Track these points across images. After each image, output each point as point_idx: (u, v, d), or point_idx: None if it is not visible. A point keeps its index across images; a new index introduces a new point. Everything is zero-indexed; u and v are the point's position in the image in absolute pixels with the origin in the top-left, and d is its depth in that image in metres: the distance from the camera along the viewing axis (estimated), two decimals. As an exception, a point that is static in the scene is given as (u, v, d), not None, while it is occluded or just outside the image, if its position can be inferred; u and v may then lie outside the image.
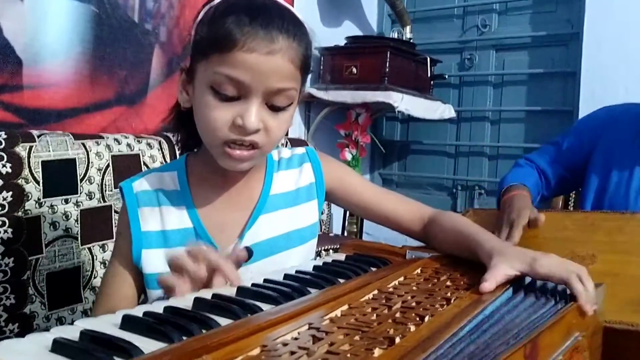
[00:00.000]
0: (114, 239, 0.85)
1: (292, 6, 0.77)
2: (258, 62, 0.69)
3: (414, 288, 0.62)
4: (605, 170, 1.30)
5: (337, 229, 2.53)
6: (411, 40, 2.59)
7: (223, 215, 0.81)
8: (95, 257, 1.26)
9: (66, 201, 1.20)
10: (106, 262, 1.27)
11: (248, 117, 0.70)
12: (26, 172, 1.13)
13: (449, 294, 0.59)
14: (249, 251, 0.76)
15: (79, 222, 1.22)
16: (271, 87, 0.71)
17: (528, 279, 0.68)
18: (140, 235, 0.79)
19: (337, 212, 2.48)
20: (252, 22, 0.69)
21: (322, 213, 0.89)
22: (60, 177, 1.20)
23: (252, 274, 0.65)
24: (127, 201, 0.81)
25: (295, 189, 0.87)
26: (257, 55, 0.68)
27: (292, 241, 0.84)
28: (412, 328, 0.48)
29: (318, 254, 0.88)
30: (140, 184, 0.82)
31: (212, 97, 0.71)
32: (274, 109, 0.73)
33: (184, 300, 0.55)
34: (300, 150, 0.91)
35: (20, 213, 1.12)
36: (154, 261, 0.78)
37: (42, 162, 1.16)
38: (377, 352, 0.43)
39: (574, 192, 1.57)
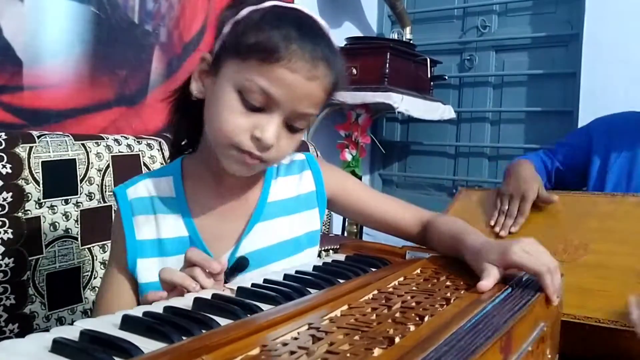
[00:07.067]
0: (110, 246, 0.84)
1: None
2: (297, 85, 0.67)
3: (414, 288, 0.62)
4: (604, 167, 1.31)
5: (337, 229, 2.53)
6: (411, 41, 2.59)
7: (219, 223, 0.80)
8: (95, 258, 1.26)
9: (66, 202, 1.20)
10: (106, 262, 1.27)
11: (268, 132, 0.68)
12: (26, 172, 1.13)
13: (448, 294, 0.59)
14: (245, 261, 0.76)
15: (79, 222, 1.22)
16: (298, 110, 0.69)
17: (526, 276, 0.68)
18: (135, 245, 0.77)
19: (337, 214, 2.48)
20: (300, 41, 0.67)
21: (323, 222, 0.88)
22: (60, 178, 1.20)
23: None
24: (122, 209, 0.78)
25: (295, 196, 0.85)
26: (298, 77, 0.67)
27: (287, 250, 0.82)
28: (412, 328, 0.48)
29: (318, 254, 0.87)
30: (135, 191, 0.80)
31: (236, 102, 0.68)
32: (291, 129, 0.71)
33: (184, 300, 0.55)
34: (300, 156, 0.89)
35: (20, 214, 1.12)
36: (149, 270, 0.76)
37: (42, 162, 1.16)
38: (376, 351, 0.43)
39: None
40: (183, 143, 0.86)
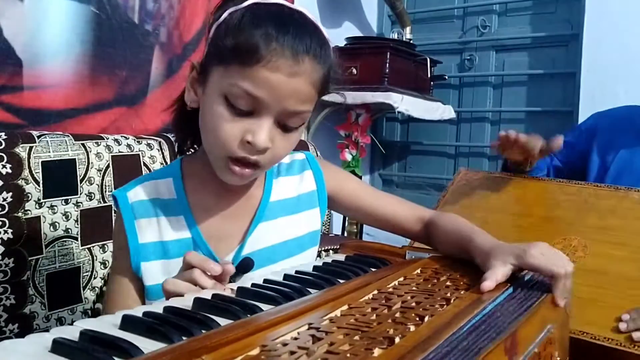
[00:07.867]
0: (112, 251, 0.83)
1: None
2: (280, 83, 0.66)
3: (414, 288, 0.62)
4: (605, 161, 1.30)
5: (337, 229, 2.53)
6: (411, 41, 2.59)
7: (222, 223, 0.79)
8: (95, 258, 1.26)
9: (66, 202, 1.20)
10: (106, 262, 1.27)
11: (259, 135, 0.67)
12: (26, 172, 1.13)
13: (448, 294, 0.59)
14: (250, 262, 0.76)
15: (79, 222, 1.22)
16: (287, 109, 0.68)
17: (528, 276, 0.68)
18: (139, 248, 0.77)
19: (337, 213, 2.48)
20: (280, 39, 0.65)
21: (323, 221, 0.88)
22: (60, 178, 1.20)
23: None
24: (123, 213, 0.78)
25: (296, 196, 0.85)
26: (280, 76, 0.65)
27: (291, 249, 0.82)
28: (412, 328, 0.48)
29: (318, 254, 0.87)
30: (136, 194, 0.79)
31: (224, 108, 0.68)
32: (285, 129, 0.70)
33: (184, 301, 0.55)
34: (300, 156, 0.88)
35: (20, 213, 1.12)
36: (153, 273, 0.76)
37: (42, 162, 1.16)
38: (376, 352, 0.43)
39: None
40: (186, 147, 0.86)
